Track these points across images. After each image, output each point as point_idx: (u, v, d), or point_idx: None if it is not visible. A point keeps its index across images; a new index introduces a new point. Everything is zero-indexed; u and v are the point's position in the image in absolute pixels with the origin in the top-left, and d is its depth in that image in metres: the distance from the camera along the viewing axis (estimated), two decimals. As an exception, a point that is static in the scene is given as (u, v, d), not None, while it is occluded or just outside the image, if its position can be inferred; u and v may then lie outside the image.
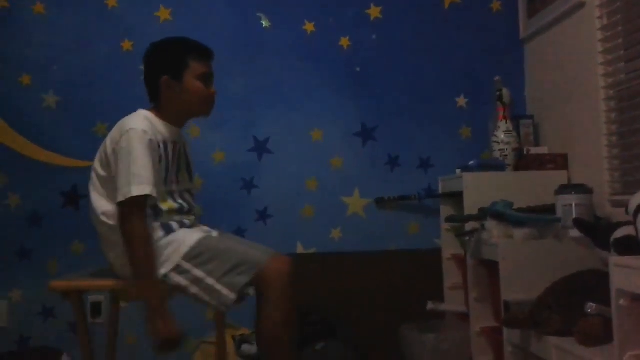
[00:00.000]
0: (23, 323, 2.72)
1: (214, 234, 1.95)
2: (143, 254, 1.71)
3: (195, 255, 1.78)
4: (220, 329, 2.11)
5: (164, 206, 1.84)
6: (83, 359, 1.89)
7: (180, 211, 1.89)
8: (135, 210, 1.72)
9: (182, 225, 1.87)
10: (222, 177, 2.81)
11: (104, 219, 1.82)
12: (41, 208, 2.75)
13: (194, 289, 1.77)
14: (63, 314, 2.69)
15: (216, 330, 2.13)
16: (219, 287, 1.75)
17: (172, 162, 1.89)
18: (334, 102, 2.88)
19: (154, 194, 1.74)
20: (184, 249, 1.78)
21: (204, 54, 1.92)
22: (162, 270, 1.77)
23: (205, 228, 1.97)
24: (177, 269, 1.77)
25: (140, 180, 1.72)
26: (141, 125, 1.78)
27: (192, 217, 1.95)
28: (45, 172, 2.75)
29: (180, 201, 1.91)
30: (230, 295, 1.75)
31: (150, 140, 1.78)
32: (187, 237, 1.81)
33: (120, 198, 1.72)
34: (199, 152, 2.72)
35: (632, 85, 2.16)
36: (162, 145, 1.84)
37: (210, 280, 1.76)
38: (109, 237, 1.83)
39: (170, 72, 1.86)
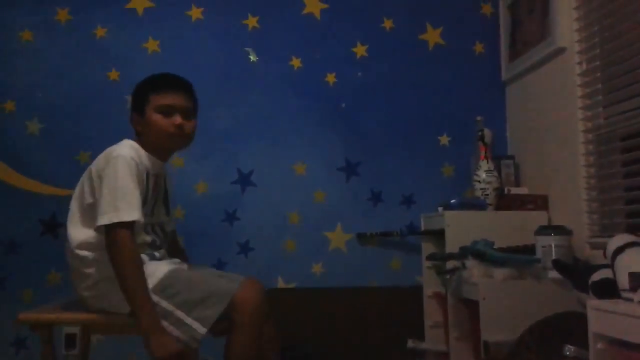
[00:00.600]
0: (-6, 354, 2.65)
1: (184, 266, 1.94)
2: (137, 277, 1.69)
3: (164, 287, 1.75)
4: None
5: (137, 239, 1.81)
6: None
7: (152, 245, 1.88)
8: (124, 235, 1.69)
9: (152, 258, 1.85)
10: (204, 208, 2.80)
11: (78, 251, 1.80)
12: (19, 235, 2.71)
13: (163, 323, 1.72)
14: (36, 345, 2.61)
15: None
16: (189, 320, 1.72)
17: (151, 195, 1.88)
18: (318, 136, 2.90)
19: (142, 220, 1.74)
20: (153, 280, 1.75)
21: (165, 86, 1.88)
22: None
23: (176, 260, 1.96)
24: None
25: (128, 206, 1.71)
26: (128, 152, 1.78)
27: (163, 251, 1.93)
28: (25, 199, 2.72)
29: (153, 234, 1.90)
30: (200, 329, 1.71)
31: (137, 167, 1.78)
32: (156, 269, 1.79)
33: (106, 221, 1.69)
34: (182, 183, 2.72)
35: (610, 129, 2.22)
36: (144, 176, 1.84)
37: (179, 314, 1.73)
38: (82, 269, 1.80)
39: (137, 109, 1.89)
